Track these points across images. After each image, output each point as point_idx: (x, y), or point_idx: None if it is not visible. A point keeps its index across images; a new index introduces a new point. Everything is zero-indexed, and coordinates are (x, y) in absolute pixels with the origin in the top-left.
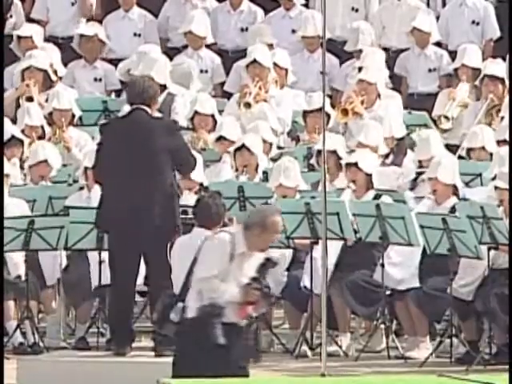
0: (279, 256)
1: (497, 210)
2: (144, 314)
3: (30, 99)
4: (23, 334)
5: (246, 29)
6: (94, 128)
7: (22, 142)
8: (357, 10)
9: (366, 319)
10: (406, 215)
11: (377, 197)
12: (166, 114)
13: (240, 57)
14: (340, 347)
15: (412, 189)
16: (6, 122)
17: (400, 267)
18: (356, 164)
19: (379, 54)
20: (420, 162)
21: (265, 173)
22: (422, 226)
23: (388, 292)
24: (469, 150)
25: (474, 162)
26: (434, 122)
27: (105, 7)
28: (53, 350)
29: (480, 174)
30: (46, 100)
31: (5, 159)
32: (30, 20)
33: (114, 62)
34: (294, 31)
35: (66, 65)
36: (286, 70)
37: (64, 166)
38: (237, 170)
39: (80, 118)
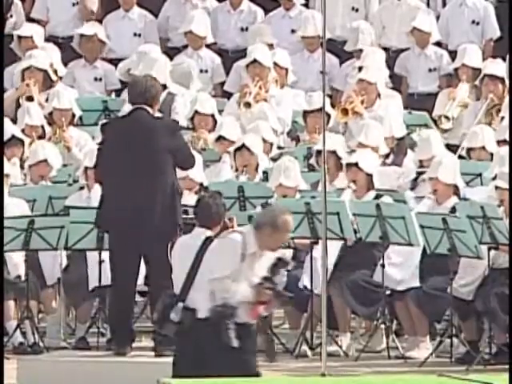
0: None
1: (497, 209)
2: (144, 314)
3: (30, 99)
4: (23, 333)
5: (246, 29)
6: (94, 128)
7: (22, 141)
8: (357, 10)
9: (366, 319)
10: (406, 215)
11: (377, 197)
12: (166, 114)
13: (240, 57)
14: (340, 347)
15: (412, 189)
16: (7, 121)
17: (400, 268)
18: (356, 164)
19: (379, 54)
20: (421, 161)
21: (265, 173)
22: (422, 226)
23: (388, 292)
24: (469, 150)
25: (474, 162)
26: (435, 121)
27: (105, 7)
28: (53, 350)
29: (480, 174)
30: (46, 100)
31: (5, 159)
32: (30, 20)
33: (114, 62)
34: (293, 31)
35: (66, 65)
36: (286, 70)
37: (64, 165)
38: (237, 170)
39: (80, 118)
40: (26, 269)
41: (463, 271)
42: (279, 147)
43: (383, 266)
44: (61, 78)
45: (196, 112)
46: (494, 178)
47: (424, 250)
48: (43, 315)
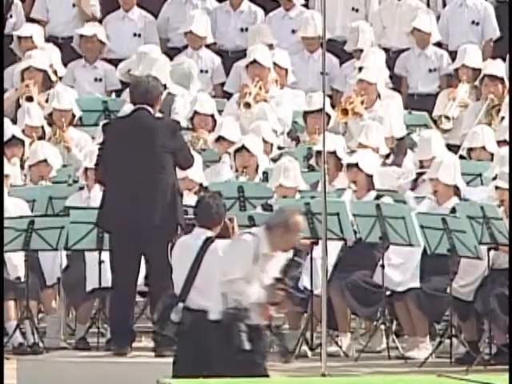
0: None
1: (497, 210)
2: (144, 314)
3: (30, 99)
4: (23, 334)
5: (246, 29)
6: (94, 128)
7: (22, 141)
8: (357, 10)
9: (366, 319)
10: (406, 215)
11: (378, 197)
12: (166, 114)
13: (240, 57)
14: (340, 347)
15: (413, 189)
16: (7, 122)
17: (400, 269)
18: (357, 165)
19: (379, 54)
20: (421, 162)
21: (265, 173)
22: (422, 226)
23: (388, 292)
24: (469, 150)
25: (474, 162)
26: (435, 122)
27: (105, 7)
28: (53, 350)
29: (480, 174)
30: (46, 100)
31: (5, 159)
32: (29, 20)
33: (114, 62)
34: (293, 31)
35: (65, 65)
36: (286, 70)
37: (64, 166)
38: (237, 170)
39: (80, 118)
40: (26, 269)
41: (463, 271)
42: (279, 147)
43: (383, 266)
44: (61, 78)
45: (196, 112)
46: (494, 178)
47: (424, 251)
48: (43, 315)
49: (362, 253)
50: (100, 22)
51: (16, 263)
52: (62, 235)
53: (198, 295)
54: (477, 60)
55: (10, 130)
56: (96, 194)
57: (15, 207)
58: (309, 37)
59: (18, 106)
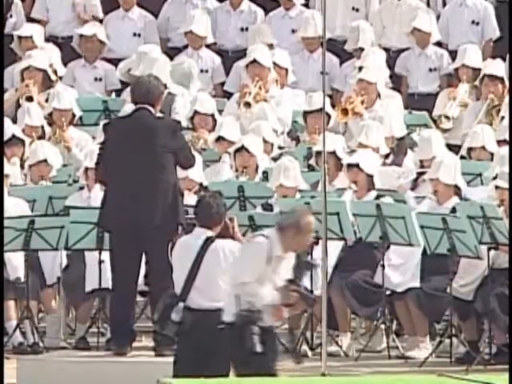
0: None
1: (497, 209)
2: (145, 314)
3: (30, 99)
4: (23, 333)
5: (246, 29)
6: (95, 128)
7: (22, 141)
8: (357, 10)
9: (367, 319)
10: (406, 215)
11: (378, 197)
12: (166, 114)
13: (240, 57)
14: (340, 347)
15: (413, 189)
16: (7, 121)
17: (400, 270)
18: (357, 165)
19: (379, 54)
20: (421, 161)
21: (265, 173)
22: (422, 226)
23: (388, 292)
24: (469, 150)
25: (474, 162)
26: (435, 121)
27: (105, 7)
28: (53, 350)
29: (480, 174)
30: (46, 100)
31: (5, 159)
32: (30, 20)
33: (114, 62)
34: (293, 31)
35: (65, 65)
36: (286, 70)
37: (64, 166)
38: (237, 170)
39: (80, 118)
40: (26, 269)
41: (463, 271)
42: (279, 147)
43: (383, 266)
44: (61, 78)
45: (196, 112)
46: (495, 178)
47: (424, 250)
48: (43, 315)
49: (362, 253)
50: (100, 21)
51: (16, 263)
52: (62, 235)
53: (199, 295)
54: (477, 60)
55: (10, 129)
56: (96, 194)
57: (15, 207)
58: (309, 36)
59: (18, 105)
